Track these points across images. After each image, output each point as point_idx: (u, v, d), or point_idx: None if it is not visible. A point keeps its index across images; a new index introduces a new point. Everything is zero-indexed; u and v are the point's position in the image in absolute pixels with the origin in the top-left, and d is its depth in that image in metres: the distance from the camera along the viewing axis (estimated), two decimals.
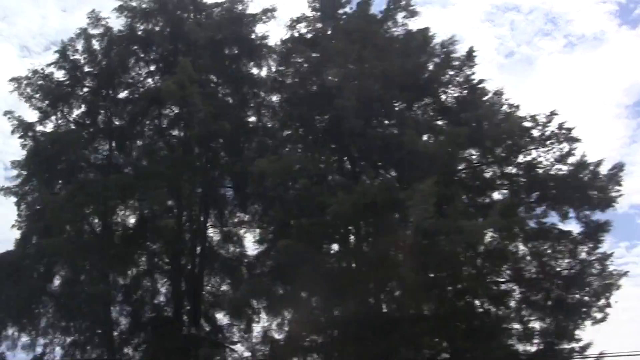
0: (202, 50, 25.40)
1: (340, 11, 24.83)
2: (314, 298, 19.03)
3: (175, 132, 25.46)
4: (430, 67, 21.26)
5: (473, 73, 21.84)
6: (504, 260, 18.00)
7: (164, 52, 25.50)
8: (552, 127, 20.96)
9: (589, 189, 21.13)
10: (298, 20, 24.64)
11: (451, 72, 21.47)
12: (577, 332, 21.31)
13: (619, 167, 20.95)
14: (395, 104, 20.90)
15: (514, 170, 21.30)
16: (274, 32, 25.75)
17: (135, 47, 25.32)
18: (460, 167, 21.19)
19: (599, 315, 21.32)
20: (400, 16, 24.01)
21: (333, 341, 18.04)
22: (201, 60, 25.24)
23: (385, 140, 18.70)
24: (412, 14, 22.80)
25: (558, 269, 21.36)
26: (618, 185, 21.01)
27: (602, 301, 21.47)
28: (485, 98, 20.95)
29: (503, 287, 21.36)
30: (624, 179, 21.18)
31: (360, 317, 17.65)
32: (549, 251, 21.18)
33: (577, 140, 21.28)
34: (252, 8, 26.38)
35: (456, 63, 21.59)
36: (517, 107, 20.82)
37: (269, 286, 19.19)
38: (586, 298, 21.51)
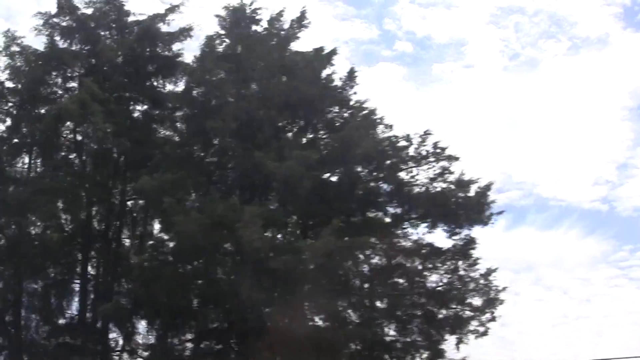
0: (118, 68, 26.91)
1: (254, 28, 26.08)
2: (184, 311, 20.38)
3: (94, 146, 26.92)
4: (313, 87, 22.20)
5: (354, 93, 23.07)
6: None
7: (82, 69, 27.00)
8: (428, 146, 22.06)
9: (465, 206, 22.12)
10: (212, 39, 25.94)
11: (333, 92, 22.50)
12: (460, 345, 22.48)
13: (488, 186, 21.93)
14: (281, 125, 22.00)
15: (390, 188, 22.36)
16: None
17: (55, 64, 26.82)
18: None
19: (481, 329, 22.35)
20: (302, 35, 25.34)
21: (196, 353, 19.35)
22: (118, 77, 26.77)
23: (250, 162, 19.85)
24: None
25: (434, 285, 22.42)
26: (488, 203, 21.99)
27: (487, 315, 22.51)
28: (361, 118, 21.95)
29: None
30: (494, 196, 22.61)
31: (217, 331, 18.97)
32: (420, 267, 22.25)
33: (455, 158, 22.29)
34: (173, 25, 27.76)
35: (338, 83, 22.66)
36: (391, 126, 21.88)
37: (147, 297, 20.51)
38: (468, 312, 22.52)
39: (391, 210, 22.48)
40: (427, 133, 21.70)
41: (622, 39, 54.92)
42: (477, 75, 56.32)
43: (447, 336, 22.16)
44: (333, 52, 24.77)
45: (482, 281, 22.59)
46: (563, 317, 47.30)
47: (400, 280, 22.54)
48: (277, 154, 19.24)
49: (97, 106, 23.91)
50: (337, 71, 23.30)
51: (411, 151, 21.92)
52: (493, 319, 22.73)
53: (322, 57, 24.12)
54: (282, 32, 25.27)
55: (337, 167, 20.69)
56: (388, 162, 21.91)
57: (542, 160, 55.60)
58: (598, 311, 46.58)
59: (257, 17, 26.07)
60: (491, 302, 22.55)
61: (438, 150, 21.76)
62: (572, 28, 57.89)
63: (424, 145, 21.87)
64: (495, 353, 45.40)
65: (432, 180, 22.08)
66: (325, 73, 22.93)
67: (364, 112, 22.35)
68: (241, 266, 18.25)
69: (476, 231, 22.53)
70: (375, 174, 22.25)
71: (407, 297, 22.28)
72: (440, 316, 22.30)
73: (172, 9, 27.64)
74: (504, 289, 22.50)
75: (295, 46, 25.13)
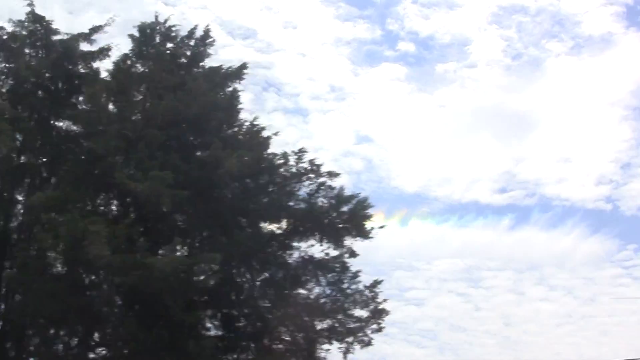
0: (41, 86, 28.63)
1: (169, 45, 27.49)
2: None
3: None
4: (199, 105, 23.41)
5: (239, 111, 24.34)
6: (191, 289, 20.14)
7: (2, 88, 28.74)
8: (305, 163, 23.28)
9: (345, 220, 23.27)
10: (127, 57, 27.43)
11: (218, 112, 23.75)
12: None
13: (366, 200, 23.14)
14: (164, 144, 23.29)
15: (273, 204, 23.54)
16: None
17: None
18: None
19: (365, 339, 23.49)
20: (208, 53, 26.70)
21: None
22: (41, 94, 28.50)
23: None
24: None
25: (316, 297, 23.59)
26: (368, 217, 23.09)
27: (374, 326, 23.64)
28: (244, 136, 23.19)
29: None
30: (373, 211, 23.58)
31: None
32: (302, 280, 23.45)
33: (335, 174, 23.48)
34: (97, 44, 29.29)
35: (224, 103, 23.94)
36: (267, 145, 23.08)
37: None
38: (352, 325, 23.65)
39: (274, 225, 23.54)
40: (302, 151, 22.86)
41: (624, 39, 55.91)
42: (480, 75, 57.59)
43: (329, 346, 23.34)
44: (243, 66, 26.18)
45: (366, 292, 23.67)
46: (567, 317, 48.63)
47: (285, 292, 23.64)
48: (145, 173, 20.52)
49: (5, 124, 25.52)
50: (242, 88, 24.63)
51: (290, 168, 22.97)
52: (380, 329, 23.78)
53: (220, 75, 25.44)
54: (188, 51, 26.60)
55: (209, 184, 21.80)
56: (267, 179, 22.98)
57: (545, 160, 56.92)
58: (602, 311, 47.67)
59: (172, 35, 27.34)
60: (376, 313, 23.61)
61: (314, 168, 22.82)
62: (574, 27, 59.03)
63: (302, 163, 22.97)
64: (499, 353, 46.94)
65: (312, 195, 23.15)
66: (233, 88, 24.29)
67: (247, 130, 23.53)
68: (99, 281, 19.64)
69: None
70: (258, 189, 23.36)
71: (291, 308, 23.37)
72: (324, 326, 23.37)
73: (96, 29, 29.17)
74: (385, 300, 23.58)
75: (210, 62, 26.58)
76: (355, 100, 59.22)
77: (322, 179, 23.42)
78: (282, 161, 23.09)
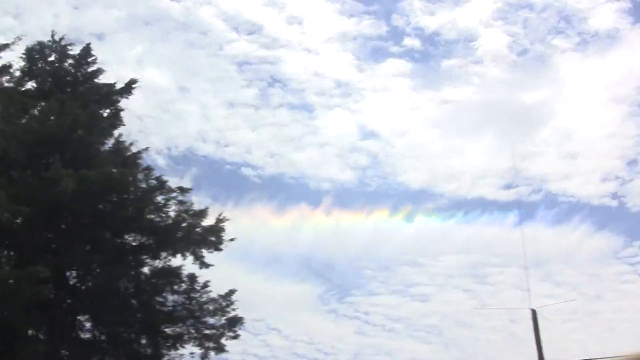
0: None
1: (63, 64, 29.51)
2: None
3: None
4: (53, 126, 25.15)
5: (114, 126, 26.18)
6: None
7: None
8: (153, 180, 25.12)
9: (199, 233, 25.07)
10: (24, 73, 29.51)
11: (80, 130, 25.59)
12: None
13: (221, 218, 24.76)
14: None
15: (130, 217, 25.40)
16: None
17: None
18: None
19: (218, 345, 25.36)
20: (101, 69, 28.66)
21: None
22: None
23: None
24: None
25: (171, 305, 25.46)
26: (222, 230, 24.86)
27: (230, 333, 25.46)
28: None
29: None
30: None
31: None
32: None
33: (186, 190, 25.29)
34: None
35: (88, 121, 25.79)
36: (130, 163, 24.95)
37: None
38: (206, 331, 25.48)
39: (130, 238, 25.43)
40: (149, 169, 24.68)
41: (631, 35, 56.42)
42: (485, 70, 58.64)
43: (177, 352, 25.25)
44: (132, 81, 28.12)
45: (221, 301, 25.48)
46: (573, 313, 49.24)
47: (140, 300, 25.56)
48: None
49: None
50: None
51: (140, 183, 24.78)
52: (235, 337, 25.59)
53: (103, 92, 27.40)
54: (72, 69, 28.58)
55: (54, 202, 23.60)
56: (124, 194, 24.84)
57: (551, 156, 57.83)
58: (608, 307, 48.82)
59: (67, 53, 29.29)
60: (231, 321, 25.43)
61: (161, 184, 24.63)
62: (580, 24, 59.28)
63: (151, 180, 24.78)
64: (505, 349, 48.04)
65: (161, 210, 24.94)
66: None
67: (113, 147, 25.47)
68: None
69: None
70: (118, 205, 25.22)
71: (145, 315, 25.28)
72: (176, 332, 25.24)
73: (2, 47, 31.38)
74: (235, 309, 25.43)
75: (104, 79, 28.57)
76: (361, 96, 60.88)
77: (173, 194, 25.15)
78: (131, 178, 24.79)
